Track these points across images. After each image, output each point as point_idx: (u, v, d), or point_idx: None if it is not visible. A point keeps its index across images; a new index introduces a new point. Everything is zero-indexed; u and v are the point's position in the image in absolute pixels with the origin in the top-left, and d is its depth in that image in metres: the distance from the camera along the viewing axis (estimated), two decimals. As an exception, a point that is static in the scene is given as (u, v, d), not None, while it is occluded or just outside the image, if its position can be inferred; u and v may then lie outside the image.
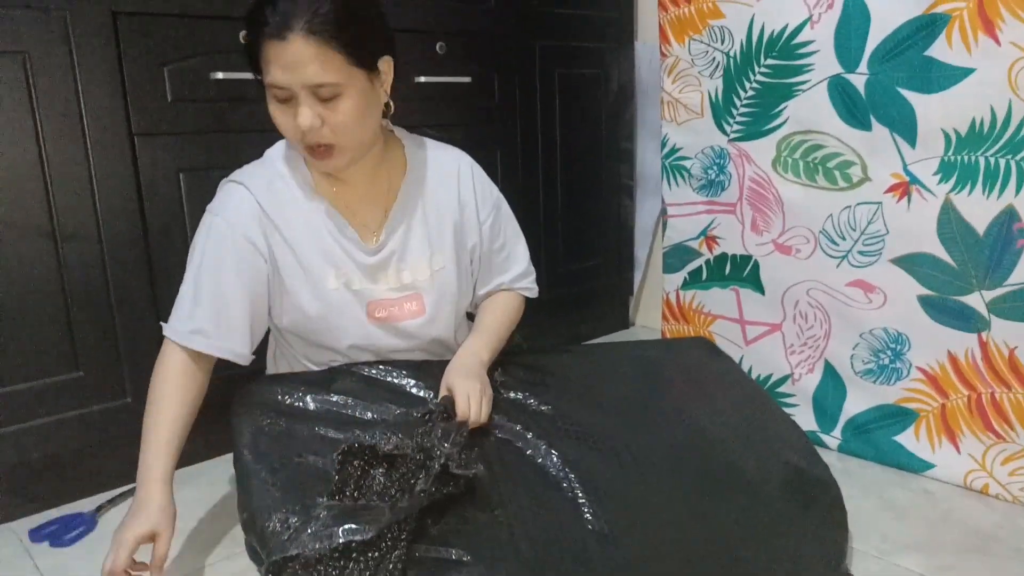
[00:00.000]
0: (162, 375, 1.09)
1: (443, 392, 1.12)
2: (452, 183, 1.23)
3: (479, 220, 1.25)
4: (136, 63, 1.34)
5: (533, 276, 1.34)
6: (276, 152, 1.19)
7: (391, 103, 1.13)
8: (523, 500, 1.01)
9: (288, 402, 1.15)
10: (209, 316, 1.09)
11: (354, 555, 0.89)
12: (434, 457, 0.97)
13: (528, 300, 1.36)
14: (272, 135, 1.25)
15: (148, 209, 1.39)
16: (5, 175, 1.25)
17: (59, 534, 1.28)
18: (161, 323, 1.13)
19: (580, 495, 1.04)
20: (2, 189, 1.25)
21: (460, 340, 1.29)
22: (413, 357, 1.24)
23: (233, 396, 1.17)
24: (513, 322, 1.30)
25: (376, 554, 0.89)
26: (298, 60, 0.99)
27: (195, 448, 1.55)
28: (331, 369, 1.20)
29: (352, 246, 1.16)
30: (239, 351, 1.12)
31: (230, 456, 1.13)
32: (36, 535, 1.28)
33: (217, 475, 1.48)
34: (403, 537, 0.91)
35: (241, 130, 1.46)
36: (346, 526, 0.90)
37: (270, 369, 1.34)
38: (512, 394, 1.21)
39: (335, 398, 1.15)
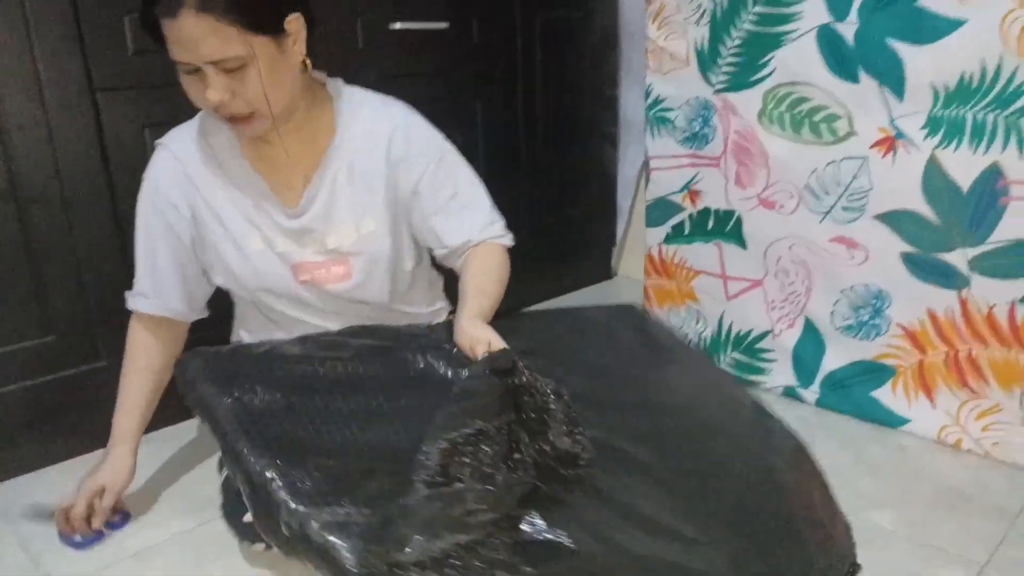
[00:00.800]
0: (129, 342, 1.21)
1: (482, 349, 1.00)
2: (383, 141, 1.14)
3: (418, 174, 1.16)
4: (93, 14, 1.27)
5: (501, 223, 1.21)
6: (206, 114, 1.15)
7: (307, 61, 1.07)
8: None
9: (264, 367, 0.96)
10: (146, 279, 1.18)
11: (452, 556, 0.74)
12: (550, 416, 0.84)
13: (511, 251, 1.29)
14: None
15: (113, 166, 1.35)
16: (-41, 135, 1.20)
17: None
18: (126, 294, 1.18)
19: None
20: (-43, 150, 1.20)
21: (419, 301, 1.29)
22: (351, 323, 1.17)
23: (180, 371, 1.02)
24: (497, 277, 1.17)
25: (479, 547, 0.75)
26: (193, 37, 0.95)
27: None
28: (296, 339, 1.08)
29: (273, 209, 1.13)
30: (178, 308, 1.19)
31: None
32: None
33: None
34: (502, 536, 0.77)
35: (207, 84, 1.40)
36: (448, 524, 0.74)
37: (234, 335, 1.32)
38: None
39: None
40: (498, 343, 0.99)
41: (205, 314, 1.24)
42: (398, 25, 1.65)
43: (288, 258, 1.15)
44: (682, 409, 1.06)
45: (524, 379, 0.89)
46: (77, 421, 1.41)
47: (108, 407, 1.45)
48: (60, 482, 1.35)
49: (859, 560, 1.10)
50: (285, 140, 1.11)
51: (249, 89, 0.99)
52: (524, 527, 0.80)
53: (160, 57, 1.33)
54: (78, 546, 1.16)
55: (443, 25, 1.73)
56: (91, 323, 1.37)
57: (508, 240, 1.21)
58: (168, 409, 1.56)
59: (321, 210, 1.14)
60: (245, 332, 1.29)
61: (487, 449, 0.82)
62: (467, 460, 0.80)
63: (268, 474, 0.81)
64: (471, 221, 1.19)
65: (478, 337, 0.99)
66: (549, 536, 0.79)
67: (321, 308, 1.19)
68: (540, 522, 0.81)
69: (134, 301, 1.19)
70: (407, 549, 0.73)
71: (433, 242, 1.20)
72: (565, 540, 0.79)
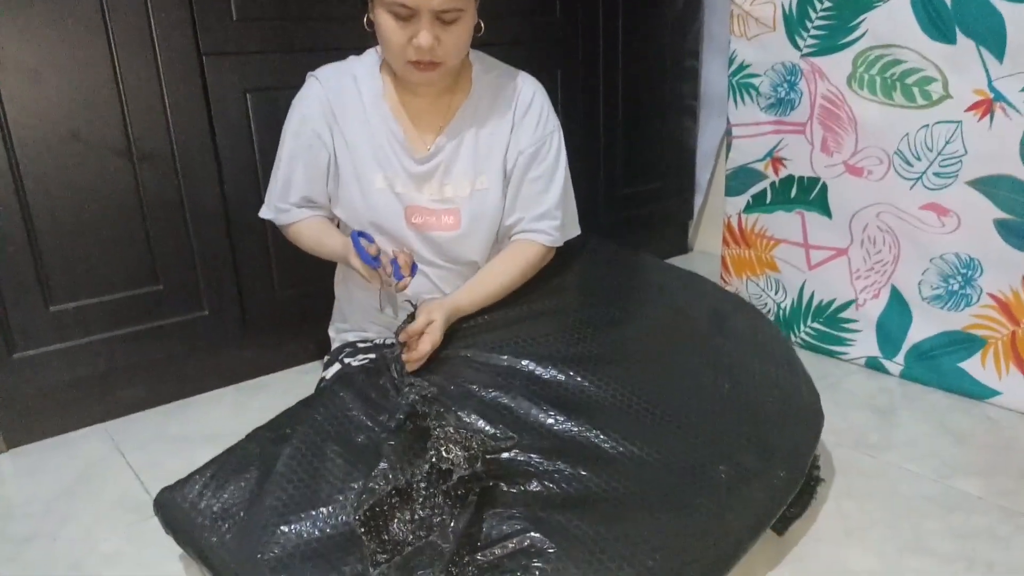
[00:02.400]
0: (302, 225, 1.28)
1: (421, 319, 1.12)
2: (509, 108, 1.24)
3: (527, 142, 1.24)
4: (202, -19, 1.35)
5: (557, 223, 1.27)
6: (360, 57, 1.25)
7: (482, 24, 1.16)
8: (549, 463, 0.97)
9: (218, 501, 0.97)
10: (296, 195, 1.26)
11: None
12: (445, 467, 0.92)
13: (576, 236, 1.34)
14: (336, 55, 1.26)
15: (218, 129, 1.43)
16: (84, 97, 1.29)
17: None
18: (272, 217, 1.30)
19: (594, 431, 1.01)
20: (83, 111, 1.29)
21: None
22: (439, 281, 1.26)
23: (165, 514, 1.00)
24: (510, 281, 1.24)
25: None
26: None
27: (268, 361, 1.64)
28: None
29: (403, 152, 1.21)
30: (327, 215, 1.30)
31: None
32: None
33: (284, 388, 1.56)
34: (467, 558, 0.86)
35: (306, 49, 1.47)
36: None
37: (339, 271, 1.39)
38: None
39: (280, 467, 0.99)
40: (434, 340, 1.10)
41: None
42: (483, -6, 1.68)
43: (404, 199, 1.22)
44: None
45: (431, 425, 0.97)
46: (180, 367, 1.51)
47: (209, 354, 1.55)
48: (163, 423, 1.45)
49: (943, 526, 1.09)
50: (429, 92, 1.20)
51: (452, 39, 1.10)
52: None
53: (260, 25, 1.41)
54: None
55: (527, -5, 1.75)
56: (195, 275, 1.46)
57: (552, 241, 1.27)
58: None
59: (444, 161, 1.22)
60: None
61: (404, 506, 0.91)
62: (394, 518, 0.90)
63: None
64: (533, 210, 1.26)
65: (432, 316, 1.11)
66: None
67: (418, 254, 1.25)
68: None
69: (287, 215, 1.26)
70: None
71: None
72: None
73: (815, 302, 1.66)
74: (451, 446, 0.94)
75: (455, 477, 0.90)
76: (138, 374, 1.48)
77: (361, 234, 1.16)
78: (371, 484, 0.91)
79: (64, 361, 1.36)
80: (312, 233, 1.26)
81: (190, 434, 1.40)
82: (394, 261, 1.11)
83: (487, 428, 1.00)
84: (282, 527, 0.91)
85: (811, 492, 1.09)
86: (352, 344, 1.32)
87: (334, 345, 1.38)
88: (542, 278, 1.30)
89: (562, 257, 1.34)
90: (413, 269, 1.14)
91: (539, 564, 0.83)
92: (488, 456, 0.95)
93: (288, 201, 1.26)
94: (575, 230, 1.35)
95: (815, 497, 1.09)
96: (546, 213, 1.26)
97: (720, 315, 1.28)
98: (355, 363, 1.25)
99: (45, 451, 1.36)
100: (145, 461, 1.31)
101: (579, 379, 1.08)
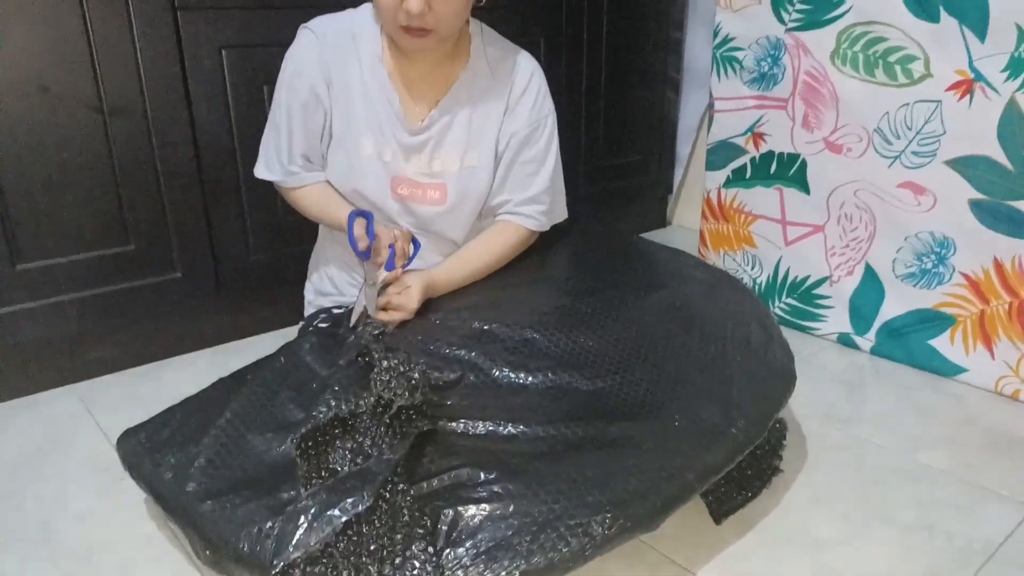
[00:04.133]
0: (306, 202, 1.23)
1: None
2: (506, 87, 1.21)
3: (521, 123, 1.22)
4: (177, -69, 1.31)
5: (544, 207, 1.26)
6: (358, 13, 1.20)
7: None
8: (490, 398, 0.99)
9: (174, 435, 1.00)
10: (294, 158, 1.21)
11: (363, 526, 0.81)
12: (387, 396, 0.91)
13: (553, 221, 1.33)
14: (315, 13, 1.23)
15: (192, 84, 1.39)
16: (54, 49, 1.25)
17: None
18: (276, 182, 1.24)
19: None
20: (53, 64, 1.25)
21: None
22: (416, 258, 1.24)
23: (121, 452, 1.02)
24: (494, 261, 1.25)
25: (383, 513, 0.82)
26: None
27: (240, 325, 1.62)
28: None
29: (397, 122, 1.18)
30: (321, 178, 1.23)
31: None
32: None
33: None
34: (401, 486, 0.84)
35: (283, 6, 1.43)
36: (342, 504, 0.81)
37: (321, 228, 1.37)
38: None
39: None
40: (408, 308, 1.11)
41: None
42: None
43: (392, 168, 1.20)
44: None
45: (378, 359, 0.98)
46: (152, 329, 1.49)
47: (182, 316, 1.52)
48: (135, 384, 1.43)
49: (907, 497, 1.11)
50: (427, 61, 1.16)
51: (446, 8, 1.05)
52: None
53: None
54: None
55: (511, -41, 1.72)
56: (168, 236, 1.43)
57: (537, 225, 1.27)
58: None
59: (436, 134, 1.19)
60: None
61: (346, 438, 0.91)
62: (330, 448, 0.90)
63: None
64: (521, 193, 1.24)
65: (399, 298, 1.11)
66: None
67: (399, 227, 1.23)
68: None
69: (296, 178, 1.21)
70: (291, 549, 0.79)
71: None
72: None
73: (790, 278, 1.68)
74: (393, 377, 0.94)
75: (395, 407, 0.90)
76: (109, 335, 1.45)
77: (360, 213, 1.11)
78: (314, 412, 0.91)
79: (32, 321, 1.33)
80: (319, 198, 1.22)
81: (162, 397, 1.38)
82: (391, 247, 1.08)
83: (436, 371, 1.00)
84: (222, 458, 0.92)
85: (767, 479, 1.10)
86: (327, 310, 1.31)
87: (309, 311, 1.37)
88: (522, 255, 1.30)
89: (545, 235, 1.34)
90: (410, 259, 1.13)
91: (474, 495, 0.83)
92: (430, 387, 0.95)
93: (296, 163, 1.20)
94: (562, 214, 1.34)
95: (769, 485, 1.10)
96: (534, 197, 1.25)
97: (701, 284, 1.29)
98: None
99: (13, 411, 1.34)
100: (115, 423, 1.29)
101: (548, 340, 1.08)
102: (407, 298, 1.11)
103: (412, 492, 0.84)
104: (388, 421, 0.90)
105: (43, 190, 1.29)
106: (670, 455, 0.90)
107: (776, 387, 1.08)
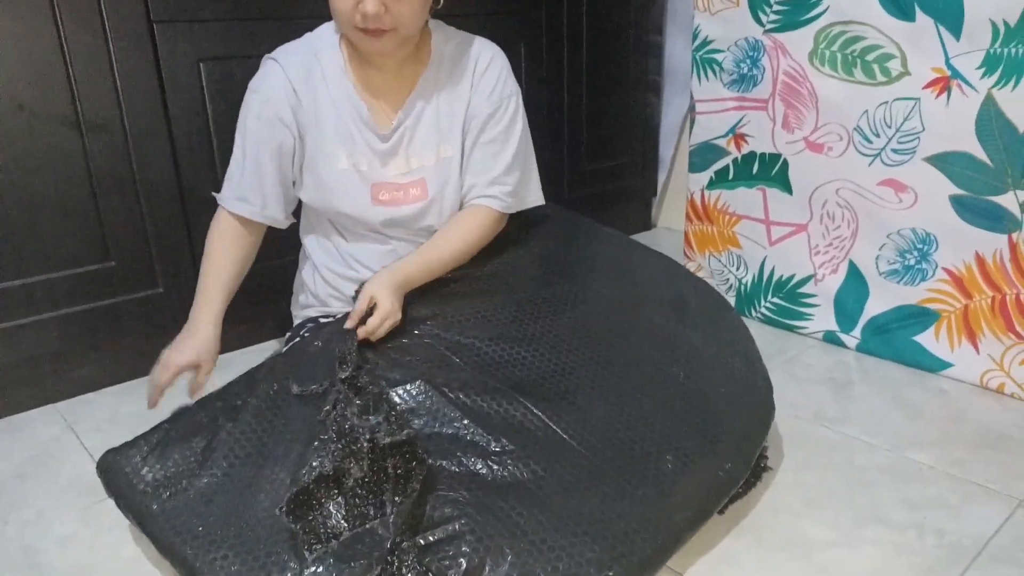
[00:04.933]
0: (216, 235, 1.20)
1: (361, 298, 1.09)
2: (469, 74, 1.22)
3: (484, 101, 1.22)
4: (151, -55, 1.30)
5: (509, 188, 1.24)
6: (317, 33, 1.20)
7: None
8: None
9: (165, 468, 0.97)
10: (252, 187, 1.18)
11: None
12: (359, 436, 0.91)
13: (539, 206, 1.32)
14: (293, 24, 1.23)
15: (170, 99, 1.38)
16: (30, 67, 1.24)
17: None
18: (214, 194, 1.21)
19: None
20: (28, 80, 1.24)
21: None
22: (404, 250, 1.23)
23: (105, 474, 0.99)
24: (461, 250, 1.22)
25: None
26: None
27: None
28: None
29: (367, 130, 1.18)
30: (277, 217, 1.22)
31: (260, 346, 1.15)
32: None
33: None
34: (404, 543, 0.85)
35: (260, 17, 1.42)
36: (351, 572, 0.82)
37: (303, 235, 1.35)
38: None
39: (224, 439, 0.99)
40: (384, 315, 1.08)
41: (292, 221, 1.25)
42: (446, -36, 1.64)
43: (369, 177, 1.19)
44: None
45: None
46: (135, 345, 1.47)
47: (165, 332, 1.50)
48: (116, 403, 1.41)
49: (897, 495, 1.12)
50: (391, 64, 1.16)
51: (404, 10, 1.05)
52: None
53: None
54: None
55: (490, -35, 1.73)
56: (149, 250, 1.42)
57: (503, 207, 1.24)
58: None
59: (408, 132, 1.19)
60: (313, 237, 1.31)
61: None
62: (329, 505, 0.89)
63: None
64: (486, 174, 1.23)
65: (372, 293, 1.08)
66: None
67: (383, 233, 1.23)
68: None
69: (236, 205, 1.18)
70: None
71: None
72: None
73: (775, 277, 1.69)
74: (362, 414, 0.94)
75: (383, 443, 0.90)
76: (92, 353, 1.44)
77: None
78: (300, 474, 0.89)
79: (11, 340, 1.32)
80: (226, 239, 1.18)
81: (146, 414, 1.36)
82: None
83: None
84: (223, 502, 0.90)
85: (757, 476, 1.10)
86: (314, 320, 1.30)
87: (296, 322, 1.36)
88: (501, 250, 1.28)
89: (524, 228, 1.32)
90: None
91: (475, 550, 0.84)
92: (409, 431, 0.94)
93: (263, 192, 1.17)
94: (537, 199, 1.31)
95: (759, 482, 1.11)
96: (497, 178, 1.23)
97: (683, 300, 1.28)
98: None
99: (-6, 433, 1.32)
100: (100, 442, 1.28)
101: (533, 361, 1.07)
102: (383, 315, 1.08)
103: (419, 543, 0.85)
104: (384, 467, 0.90)
105: (21, 208, 1.28)
106: (665, 501, 0.92)
107: (759, 420, 1.10)
